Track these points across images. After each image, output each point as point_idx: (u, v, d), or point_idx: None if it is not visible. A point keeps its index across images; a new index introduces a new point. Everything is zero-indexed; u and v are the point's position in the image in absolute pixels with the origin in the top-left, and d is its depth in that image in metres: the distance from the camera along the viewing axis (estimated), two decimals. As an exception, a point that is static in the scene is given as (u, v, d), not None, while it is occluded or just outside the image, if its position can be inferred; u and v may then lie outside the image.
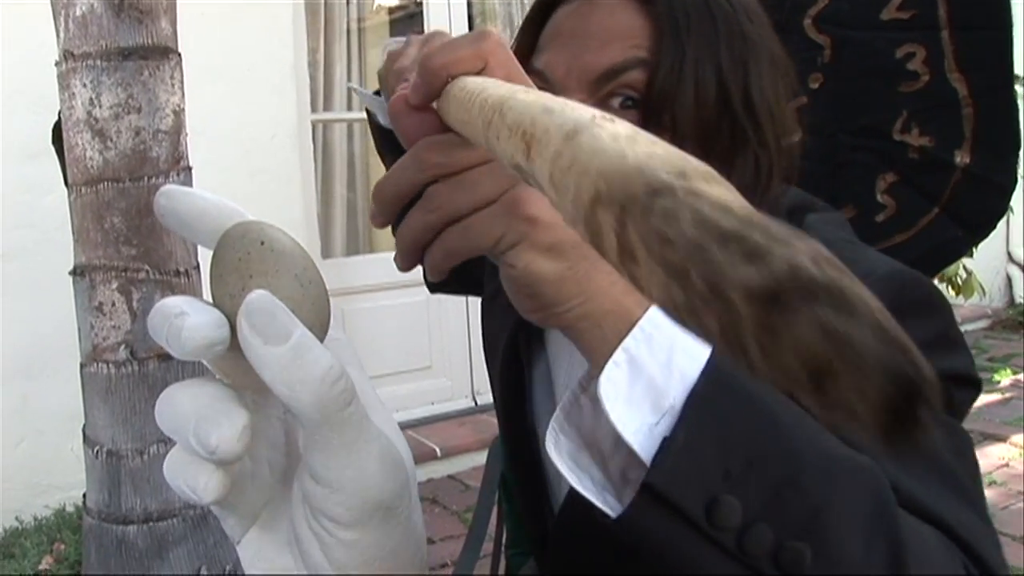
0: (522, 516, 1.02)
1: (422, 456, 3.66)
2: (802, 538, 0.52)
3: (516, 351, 0.94)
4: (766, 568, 0.52)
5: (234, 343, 0.35)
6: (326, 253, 4.20)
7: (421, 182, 0.52)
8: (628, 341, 0.54)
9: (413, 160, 0.52)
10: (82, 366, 2.45)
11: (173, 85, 2.41)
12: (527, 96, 0.35)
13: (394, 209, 0.54)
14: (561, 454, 0.57)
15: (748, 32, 0.77)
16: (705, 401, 0.53)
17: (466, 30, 4.18)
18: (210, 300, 0.37)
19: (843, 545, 0.53)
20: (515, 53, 0.60)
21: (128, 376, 2.36)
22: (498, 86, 0.39)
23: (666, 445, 0.52)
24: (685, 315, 0.23)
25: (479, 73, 0.49)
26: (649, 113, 0.75)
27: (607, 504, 0.55)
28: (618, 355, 0.54)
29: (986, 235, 1.07)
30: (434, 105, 0.51)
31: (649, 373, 0.54)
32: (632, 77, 0.76)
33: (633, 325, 0.55)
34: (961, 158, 1.01)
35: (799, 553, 0.52)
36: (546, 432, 0.58)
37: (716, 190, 0.24)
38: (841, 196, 0.78)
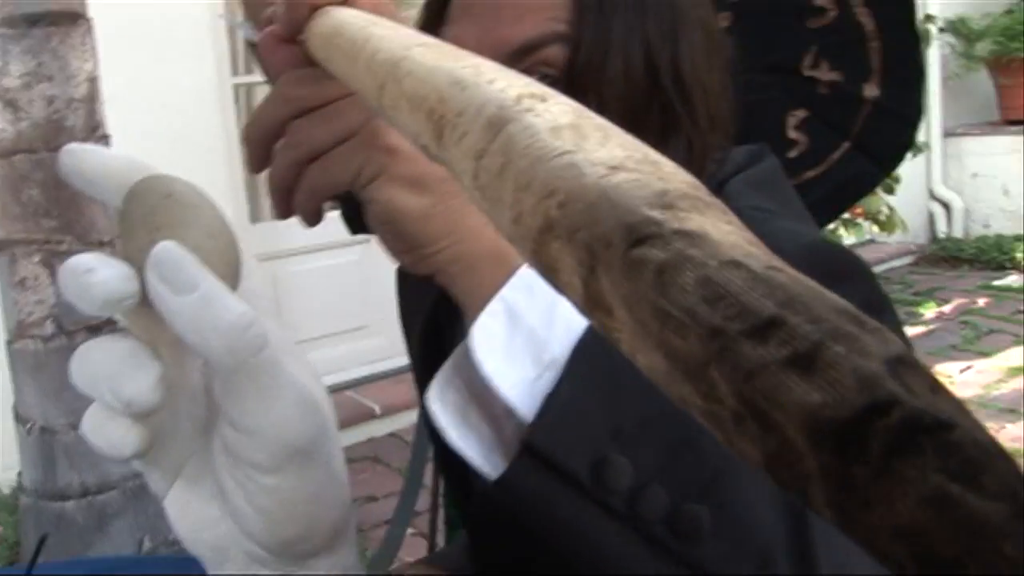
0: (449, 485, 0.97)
1: (361, 416, 3.65)
2: (700, 501, 0.48)
3: (437, 323, 0.85)
4: (661, 533, 0.48)
5: (145, 298, 0.35)
6: (254, 218, 4.13)
7: (285, 118, 0.49)
8: (505, 290, 0.50)
9: (275, 96, 0.50)
10: (8, 343, 2.40)
11: (85, 52, 2.35)
12: (427, 56, 0.30)
13: (263, 150, 0.51)
14: (446, 407, 0.52)
15: (677, 0, 0.69)
16: (592, 355, 0.49)
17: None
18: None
19: (745, 510, 0.49)
20: (421, 28, 0.56)
21: (56, 350, 2.32)
22: (387, 32, 0.36)
23: (548, 401, 0.48)
24: (705, 420, 0.17)
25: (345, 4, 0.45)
26: (571, 94, 0.65)
27: (493, 466, 0.51)
28: (494, 305, 0.50)
29: (895, 167, 1.10)
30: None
31: (529, 324, 0.49)
32: (550, 53, 0.67)
33: (512, 272, 0.50)
34: (869, 91, 1.03)
35: (696, 517, 0.47)
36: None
37: (714, 224, 0.17)
38: (752, 135, 0.79)
